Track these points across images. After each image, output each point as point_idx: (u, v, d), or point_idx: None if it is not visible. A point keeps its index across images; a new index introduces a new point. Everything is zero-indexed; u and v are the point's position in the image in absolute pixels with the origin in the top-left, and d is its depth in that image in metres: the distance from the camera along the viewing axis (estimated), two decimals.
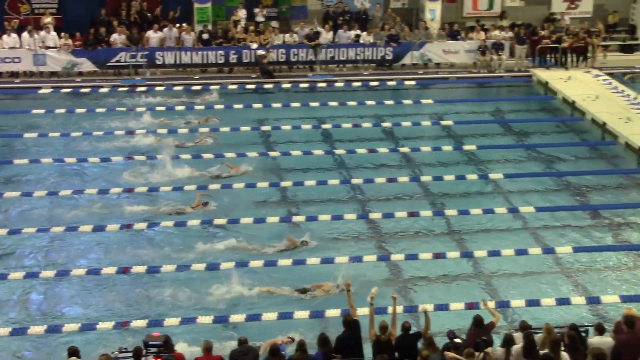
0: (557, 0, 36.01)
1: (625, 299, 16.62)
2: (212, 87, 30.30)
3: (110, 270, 18.07)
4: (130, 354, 13.08)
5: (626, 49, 35.21)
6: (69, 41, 31.39)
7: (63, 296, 17.54)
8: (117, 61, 31.52)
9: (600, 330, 13.50)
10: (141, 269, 18.12)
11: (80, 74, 31.65)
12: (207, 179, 22.70)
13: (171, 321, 15.97)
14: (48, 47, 31.23)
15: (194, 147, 25.00)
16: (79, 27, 32.42)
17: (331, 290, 17.11)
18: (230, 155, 24.13)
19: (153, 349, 13.05)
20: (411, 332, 13.61)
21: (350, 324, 13.61)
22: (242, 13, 33.58)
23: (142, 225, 20.14)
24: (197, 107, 28.52)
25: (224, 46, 32.13)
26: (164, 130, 26.26)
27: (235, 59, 32.14)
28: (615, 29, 35.91)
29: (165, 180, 22.65)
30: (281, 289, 17.33)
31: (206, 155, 24.19)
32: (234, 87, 30.69)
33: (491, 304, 15.01)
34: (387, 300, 14.47)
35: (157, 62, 31.79)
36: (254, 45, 31.96)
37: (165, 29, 31.91)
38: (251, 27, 32.87)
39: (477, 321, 13.68)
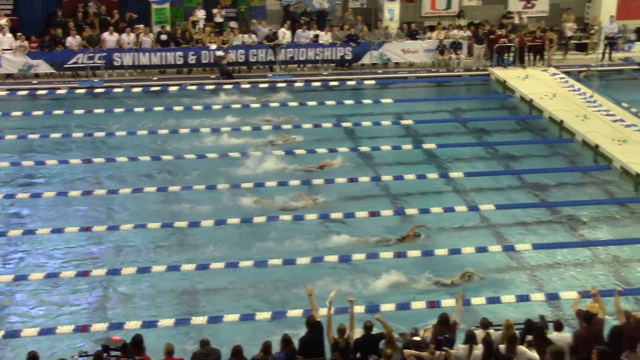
0: None
1: (584, 295, 16.75)
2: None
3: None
4: (90, 358, 12.97)
5: (581, 48, 35.57)
6: (25, 43, 31.02)
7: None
8: (75, 63, 31.21)
9: (558, 326, 13.67)
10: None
11: (36, 76, 31.30)
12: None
13: (132, 324, 15.91)
14: (4, 49, 30.84)
15: (284, 145, 25.44)
16: (34, 28, 32.13)
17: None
18: (190, 156, 24.18)
19: (114, 353, 12.97)
20: (373, 332, 13.63)
21: (313, 325, 13.62)
22: (200, 14, 33.41)
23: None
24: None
25: (182, 47, 31.96)
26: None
27: (194, 60, 31.97)
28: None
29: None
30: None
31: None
32: (193, 87, 30.63)
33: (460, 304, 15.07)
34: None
35: (115, 63, 31.55)
36: (213, 46, 31.83)
37: (124, 35, 31.60)
38: (208, 29, 32.73)
39: (443, 319, 13.76)
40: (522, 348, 12.90)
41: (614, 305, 13.98)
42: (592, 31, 35.11)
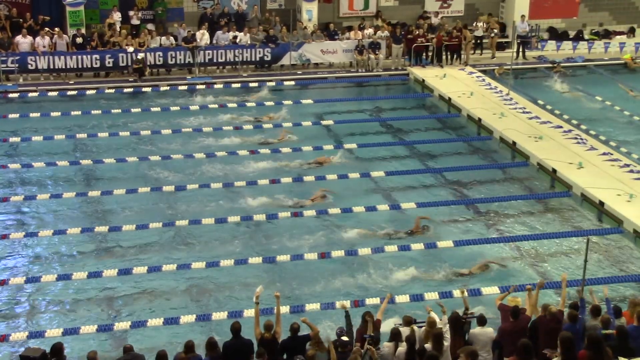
0: None
1: (504, 290, 17.03)
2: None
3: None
4: None
5: (496, 47, 36.15)
6: None
7: None
8: None
9: (481, 321, 13.86)
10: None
11: None
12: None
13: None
14: None
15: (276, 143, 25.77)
16: None
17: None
18: (110, 160, 23.83)
19: None
20: (300, 334, 13.62)
21: (238, 330, 13.53)
22: (116, 16, 32.93)
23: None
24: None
25: (99, 50, 31.46)
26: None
27: (111, 62, 31.51)
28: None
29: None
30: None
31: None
32: (111, 90, 30.22)
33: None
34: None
35: (30, 67, 30.87)
36: (130, 49, 31.40)
37: (38, 38, 30.92)
38: (124, 31, 32.31)
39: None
40: (446, 344, 13.06)
41: (533, 299, 14.23)
42: (492, 34, 35.63)
